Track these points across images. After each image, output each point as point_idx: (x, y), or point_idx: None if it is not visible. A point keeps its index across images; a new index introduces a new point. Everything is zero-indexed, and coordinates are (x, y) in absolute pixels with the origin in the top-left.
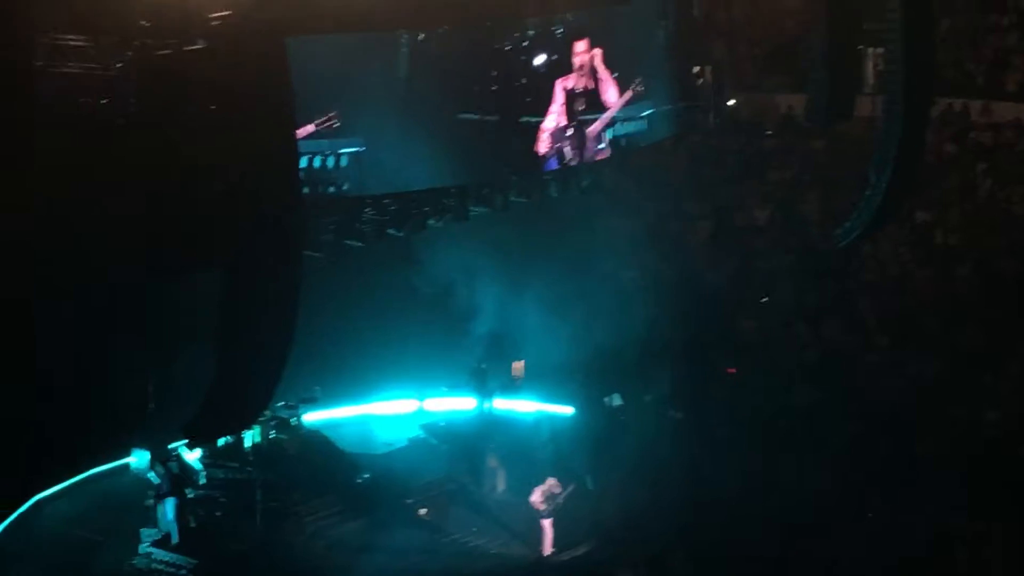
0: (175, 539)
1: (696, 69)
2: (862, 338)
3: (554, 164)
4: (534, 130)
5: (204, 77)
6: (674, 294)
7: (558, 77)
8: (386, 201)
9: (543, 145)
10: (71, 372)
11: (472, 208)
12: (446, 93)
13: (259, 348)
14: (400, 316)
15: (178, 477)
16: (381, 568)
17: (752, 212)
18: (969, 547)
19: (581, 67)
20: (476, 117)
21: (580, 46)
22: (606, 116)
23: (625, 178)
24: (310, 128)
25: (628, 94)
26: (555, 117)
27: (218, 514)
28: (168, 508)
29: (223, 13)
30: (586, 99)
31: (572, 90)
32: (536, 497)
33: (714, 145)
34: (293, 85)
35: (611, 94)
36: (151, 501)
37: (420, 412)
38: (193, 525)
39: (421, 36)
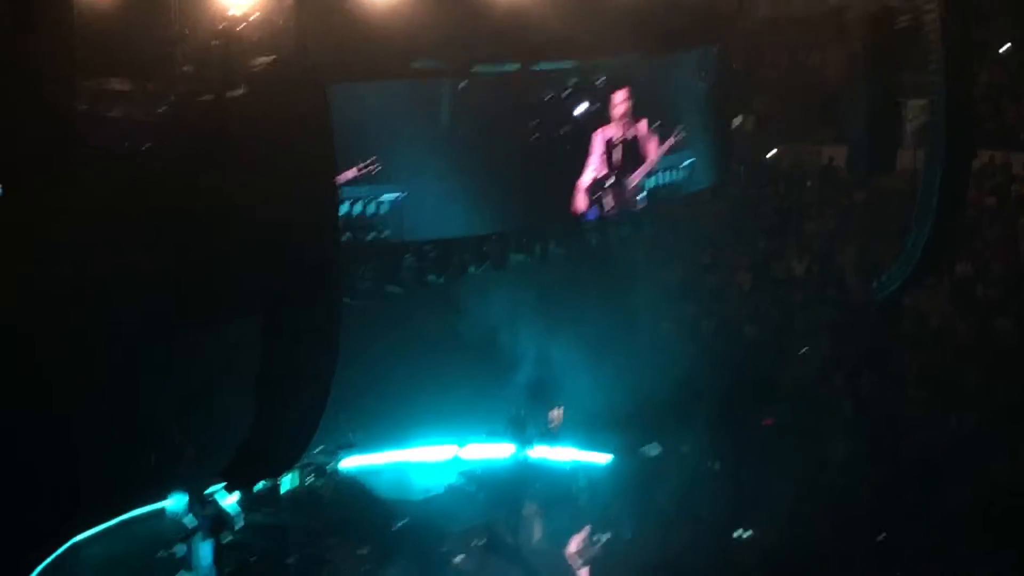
0: None
1: (736, 120)
2: (901, 392)
3: (594, 214)
4: (573, 178)
5: (246, 123)
6: (712, 344)
7: (598, 126)
8: (426, 247)
9: (582, 196)
10: (109, 415)
11: (512, 255)
12: (486, 140)
13: (297, 394)
14: (439, 363)
15: (215, 520)
16: None
17: (791, 263)
18: None
19: (621, 117)
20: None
21: (619, 95)
22: (646, 166)
23: (664, 228)
24: (351, 173)
25: (669, 142)
26: (594, 168)
27: (253, 559)
28: (205, 552)
29: (266, 59)
30: (625, 149)
31: (611, 140)
32: (573, 546)
33: (753, 196)
34: (335, 132)
35: (651, 144)
36: (183, 546)
37: (457, 459)
38: (228, 571)
39: (462, 84)
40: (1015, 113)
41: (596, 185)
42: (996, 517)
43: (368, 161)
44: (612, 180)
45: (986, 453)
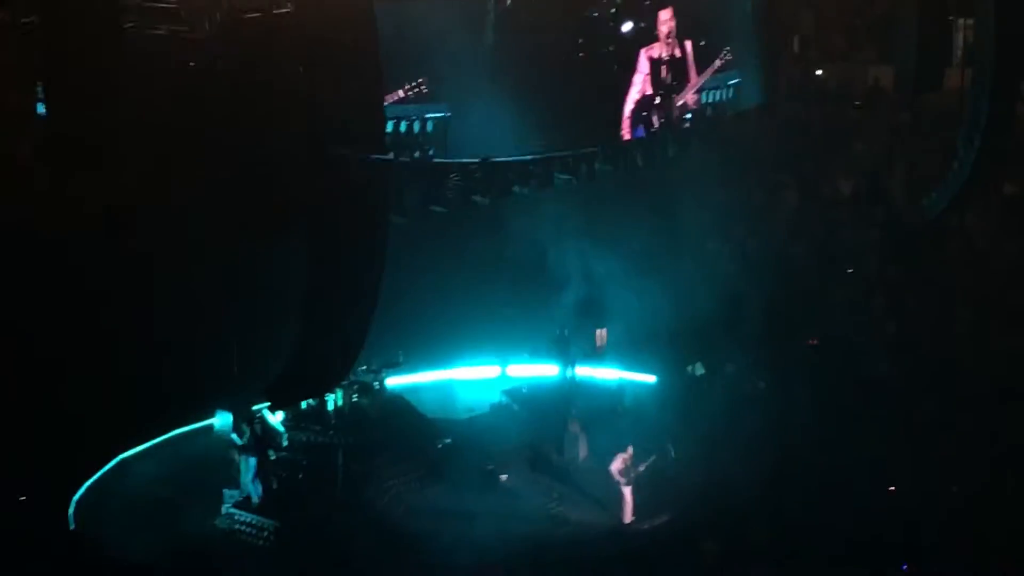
0: (255, 500)
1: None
2: (948, 312)
3: (640, 132)
4: (620, 97)
5: (292, 40)
6: (758, 265)
7: (645, 45)
8: (472, 167)
9: (628, 115)
10: (156, 333)
11: (557, 175)
12: (532, 59)
13: (343, 312)
14: (484, 282)
15: (260, 438)
16: (461, 533)
17: (838, 184)
18: None
19: (667, 35)
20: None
21: (665, 14)
22: (693, 85)
23: (711, 148)
24: (399, 94)
25: (716, 63)
26: (640, 86)
27: (300, 477)
28: (249, 468)
29: None
30: (672, 68)
31: (658, 59)
32: (617, 465)
33: (800, 116)
34: (380, 50)
35: (696, 63)
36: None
37: (502, 378)
38: (275, 487)
39: (508, 2)
40: None
41: (643, 104)
42: None
43: (417, 82)
44: (658, 99)
45: None
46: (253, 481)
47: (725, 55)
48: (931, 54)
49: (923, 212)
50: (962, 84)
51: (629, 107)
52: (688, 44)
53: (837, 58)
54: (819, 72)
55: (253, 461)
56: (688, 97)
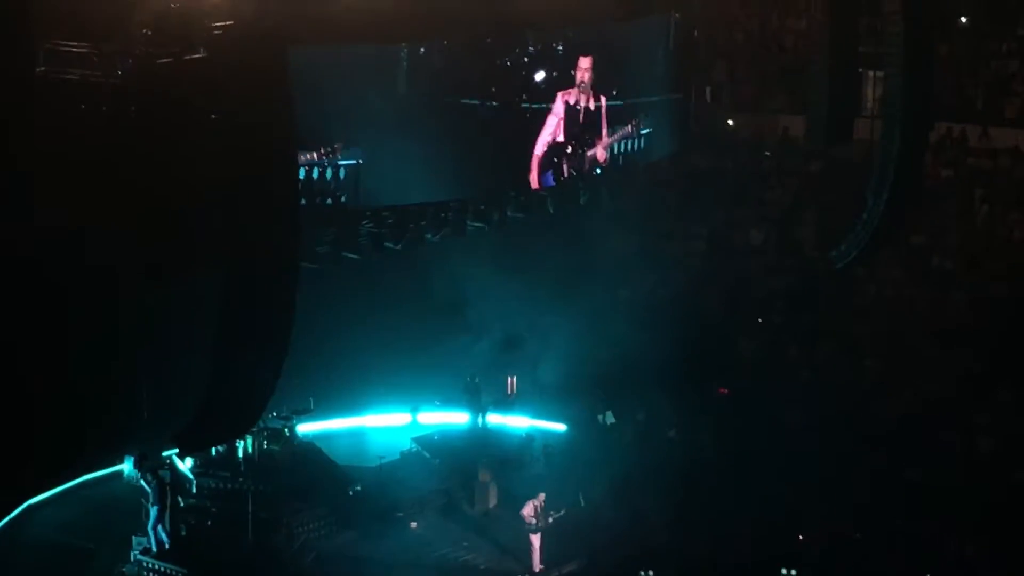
0: (154, 547)
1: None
2: (856, 361)
3: (550, 180)
4: (532, 145)
5: (205, 86)
6: (669, 314)
7: (558, 93)
8: (384, 214)
9: (540, 159)
10: (65, 378)
11: (470, 223)
12: (445, 107)
13: (253, 358)
14: (395, 329)
15: (164, 485)
16: None
17: (748, 233)
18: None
19: (582, 83)
20: (476, 103)
21: (584, 62)
22: (604, 143)
23: (622, 196)
24: (313, 156)
25: (627, 129)
26: (552, 129)
27: (209, 523)
28: (152, 516)
29: (225, 23)
30: (586, 116)
31: (573, 105)
32: (527, 513)
33: (712, 165)
34: (294, 96)
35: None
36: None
37: (413, 425)
38: (184, 534)
39: (422, 50)
40: (972, 86)
41: (554, 150)
42: (949, 487)
43: (332, 147)
44: (570, 147)
45: (939, 422)
46: (156, 528)
47: (638, 123)
48: (842, 105)
49: (832, 261)
50: (872, 135)
51: (540, 149)
52: (603, 98)
53: (748, 108)
54: (730, 122)
55: (155, 509)
56: (599, 149)
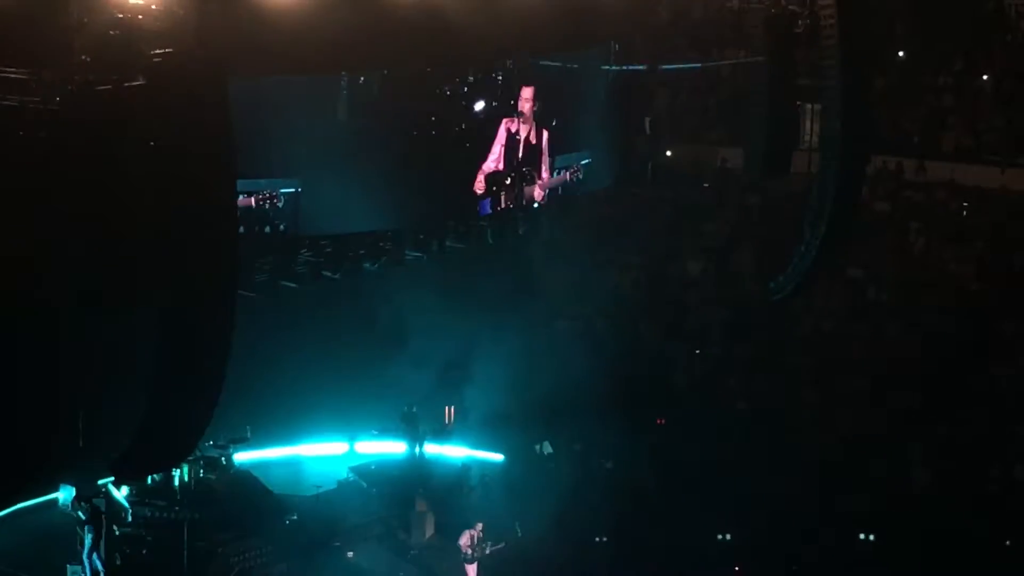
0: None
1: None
2: (793, 393)
3: (487, 208)
4: (471, 175)
5: (144, 114)
6: (607, 344)
7: (497, 124)
8: (323, 243)
9: (479, 185)
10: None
11: (408, 252)
12: (385, 136)
13: (190, 386)
14: (332, 358)
15: (99, 513)
16: None
17: (686, 264)
18: None
19: (523, 113)
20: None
21: (527, 92)
22: (544, 183)
23: (561, 227)
24: (250, 202)
25: (564, 176)
26: (494, 159)
27: (144, 552)
28: (87, 544)
29: (164, 50)
30: (526, 146)
31: (515, 135)
32: (464, 543)
33: (650, 196)
34: (233, 124)
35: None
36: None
37: (350, 454)
38: (119, 563)
39: (362, 79)
40: (909, 120)
41: (495, 179)
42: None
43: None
44: (511, 176)
45: (875, 456)
46: (91, 556)
47: (575, 173)
48: (780, 138)
49: (770, 293)
50: (810, 168)
51: (481, 180)
52: (545, 132)
53: (687, 139)
54: (669, 153)
55: (90, 537)
56: (537, 188)
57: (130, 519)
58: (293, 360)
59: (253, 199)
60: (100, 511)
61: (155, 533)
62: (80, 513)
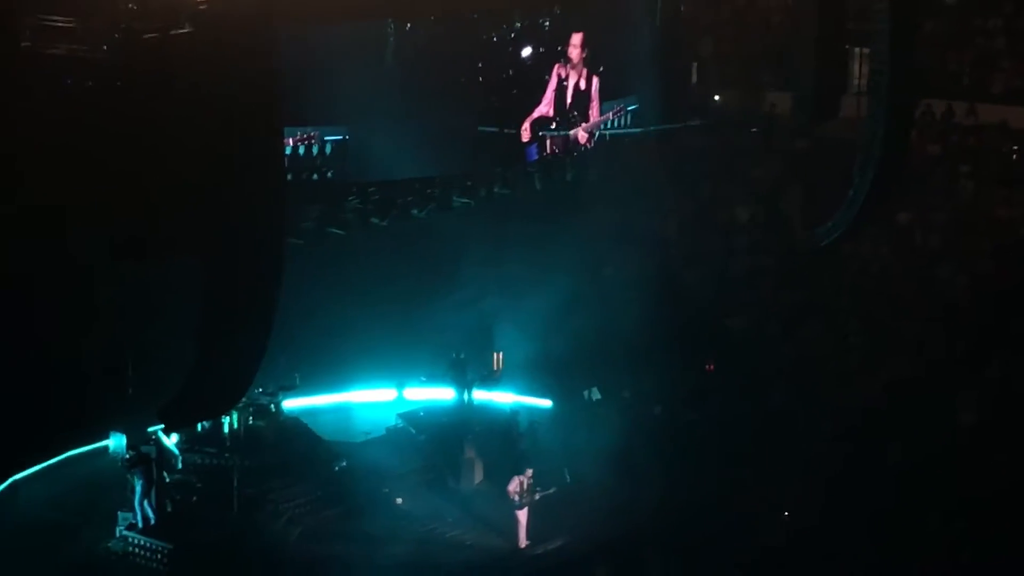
0: (139, 523)
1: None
2: (841, 339)
3: (534, 154)
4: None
5: (190, 61)
6: (655, 290)
7: (545, 70)
8: (370, 190)
9: (526, 131)
10: (51, 354)
11: (456, 199)
12: (432, 83)
13: (239, 334)
14: (380, 305)
15: (153, 460)
16: (356, 556)
17: (734, 210)
18: (945, 551)
19: (573, 60)
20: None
21: (575, 39)
22: (589, 125)
23: (609, 173)
24: (296, 147)
25: (608, 115)
26: (547, 104)
27: (195, 499)
28: (138, 492)
29: None
30: (575, 92)
31: (564, 81)
32: (513, 489)
33: (698, 142)
34: (279, 72)
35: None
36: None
37: (399, 401)
38: (170, 510)
39: (408, 25)
40: (957, 62)
41: (541, 124)
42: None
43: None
44: (555, 123)
45: (924, 401)
46: (142, 503)
47: (623, 108)
48: (828, 82)
49: (819, 239)
50: (858, 113)
51: (529, 125)
52: (595, 78)
53: (735, 84)
54: (717, 98)
55: (139, 483)
56: (581, 131)
57: (180, 466)
58: (341, 307)
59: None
60: (149, 458)
61: (205, 480)
62: (130, 460)
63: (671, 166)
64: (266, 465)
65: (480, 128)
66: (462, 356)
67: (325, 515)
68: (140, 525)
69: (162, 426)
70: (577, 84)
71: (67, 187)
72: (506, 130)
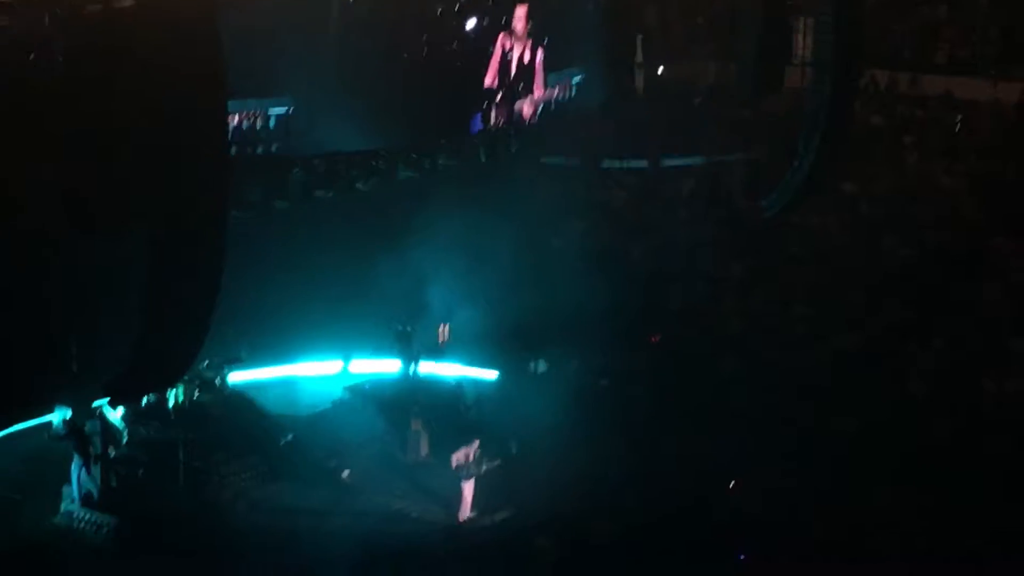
0: (76, 497)
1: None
2: (787, 309)
3: (478, 125)
4: (463, 94)
5: (133, 35)
6: (600, 262)
7: (490, 43)
8: (315, 162)
9: (472, 106)
10: None
11: (401, 171)
12: (375, 55)
13: (184, 307)
14: (327, 277)
15: (81, 435)
16: (303, 529)
17: (680, 182)
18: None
19: (517, 32)
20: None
21: (520, 11)
22: (535, 98)
23: (553, 145)
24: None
25: (554, 91)
26: (489, 77)
27: (140, 472)
28: (74, 466)
29: None
30: (519, 64)
31: (508, 53)
32: (459, 460)
33: (642, 113)
34: (224, 44)
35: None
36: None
37: (344, 374)
38: (114, 484)
39: None
40: (901, 32)
41: (486, 95)
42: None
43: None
44: (500, 95)
45: (869, 370)
46: (78, 477)
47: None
48: (772, 53)
49: (764, 210)
50: (802, 83)
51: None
52: (540, 50)
53: (679, 55)
54: (660, 69)
55: (76, 459)
56: (526, 104)
57: (125, 440)
58: (287, 280)
59: (239, 117)
60: (82, 431)
61: (150, 453)
62: (59, 433)
63: (615, 138)
64: (212, 438)
65: (424, 100)
66: (408, 329)
67: (271, 488)
68: (77, 499)
69: (107, 400)
70: (522, 56)
71: (12, 162)
72: (450, 102)
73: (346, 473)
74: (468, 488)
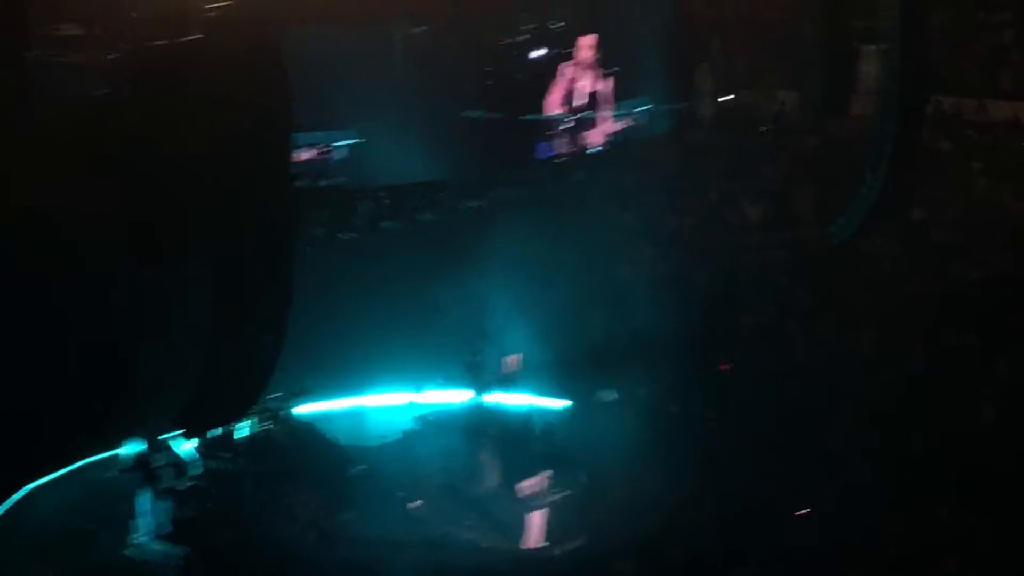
0: (153, 531)
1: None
2: (855, 335)
3: (547, 153)
4: (528, 124)
5: (199, 68)
6: (668, 289)
7: (555, 73)
8: (380, 194)
9: (539, 135)
10: (64, 362)
11: (466, 201)
12: (440, 87)
13: (252, 340)
14: (395, 308)
15: (150, 468)
16: (373, 561)
17: (745, 208)
18: (960, 544)
19: (583, 62)
20: (480, 115)
21: (585, 40)
22: (603, 129)
23: (619, 173)
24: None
25: (624, 123)
26: (554, 106)
27: (209, 505)
28: (145, 499)
29: (219, 4)
30: (585, 96)
31: (573, 81)
32: (528, 490)
33: (708, 141)
34: (289, 77)
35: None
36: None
37: (413, 405)
38: (184, 516)
39: (417, 30)
40: (966, 58)
41: (554, 124)
42: (949, 462)
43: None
44: (570, 122)
45: (938, 397)
46: (154, 511)
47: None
48: (836, 80)
49: (831, 237)
50: (868, 110)
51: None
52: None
53: (744, 83)
54: (726, 97)
55: (147, 491)
56: (595, 133)
57: (193, 472)
58: (355, 312)
59: (309, 153)
60: (151, 465)
61: (218, 485)
62: (127, 467)
63: (681, 166)
64: (280, 470)
65: (489, 130)
66: (478, 358)
67: (341, 519)
68: (147, 532)
69: (177, 433)
70: (587, 85)
71: (80, 196)
72: (516, 132)
73: (415, 503)
74: (538, 518)
